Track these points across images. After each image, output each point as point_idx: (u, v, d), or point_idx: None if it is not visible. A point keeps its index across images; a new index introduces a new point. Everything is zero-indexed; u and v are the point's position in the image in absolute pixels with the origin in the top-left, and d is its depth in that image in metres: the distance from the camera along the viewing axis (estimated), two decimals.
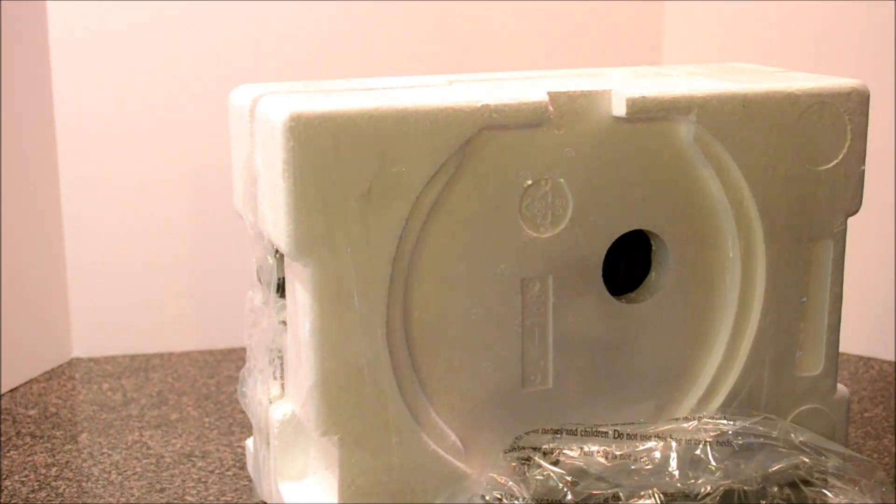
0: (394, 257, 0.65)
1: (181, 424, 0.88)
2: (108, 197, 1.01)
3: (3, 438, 0.86)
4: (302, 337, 0.67)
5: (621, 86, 0.69)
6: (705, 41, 1.09)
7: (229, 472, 0.80)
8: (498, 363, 0.71)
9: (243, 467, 0.81)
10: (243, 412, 0.90)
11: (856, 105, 0.73)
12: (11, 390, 0.96)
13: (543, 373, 0.72)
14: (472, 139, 0.66)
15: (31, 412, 0.92)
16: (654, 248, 0.74)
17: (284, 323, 0.71)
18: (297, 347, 0.69)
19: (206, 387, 0.96)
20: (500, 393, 0.71)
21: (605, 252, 0.71)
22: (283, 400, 0.72)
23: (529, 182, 0.68)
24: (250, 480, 0.78)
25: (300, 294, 0.66)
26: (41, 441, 0.86)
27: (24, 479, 0.79)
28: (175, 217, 1.02)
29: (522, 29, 1.07)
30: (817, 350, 0.77)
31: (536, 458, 0.69)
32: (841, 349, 1.06)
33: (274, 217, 0.66)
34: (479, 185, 0.67)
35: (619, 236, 0.72)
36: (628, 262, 0.75)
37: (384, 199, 0.64)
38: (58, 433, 0.87)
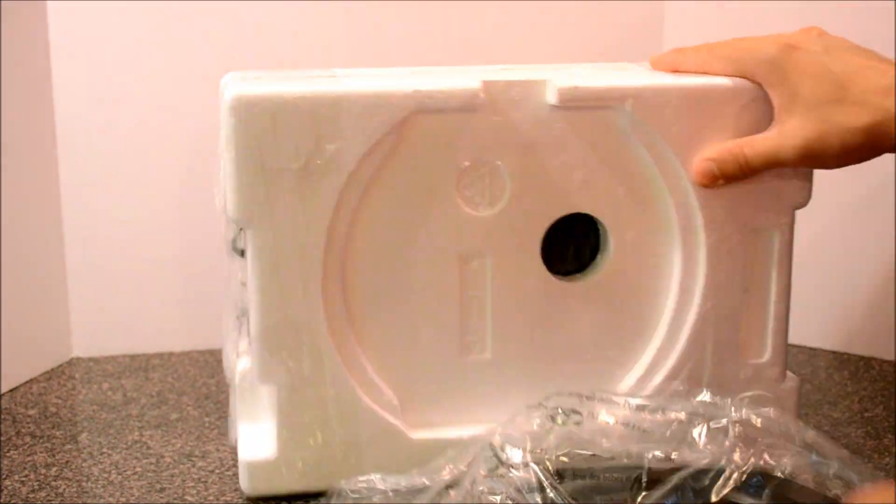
0: (328, 227, 0.71)
1: (181, 424, 0.88)
2: (107, 197, 1.01)
3: (3, 438, 0.86)
4: (249, 295, 0.73)
5: (557, 76, 0.73)
6: (705, 41, 1.09)
7: (229, 472, 0.80)
8: (437, 332, 0.76)
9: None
10: None
11: None
12: (11, 390, 0.96)
13: (482, 343, 0.77)
14: (405, 121, 0.71)
15: (31, 412, 0.92)
16: (599, 231, 0.77)
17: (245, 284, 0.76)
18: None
19: (206, 387, 0.96)
20: (438, 359, 0.76)
21: (543, 232, 0.75)
22: (247, 353, 0.77)
23: (467, 164, 0.73)
24: None
25: (248, 257, 0.73)
26: (41, 441, 0.86)
27: (24, 478, 0.79)
28: (175, 217, 1.02)
29: (523, 28, 1.07)
30: (762, 338, 0.79)
31: (560, 416, 0.72)
32: (841, 349, 1.06)
33: (224, 188, 0.72)
34: (416, 165, 0.73)
35: (558, 218, 0.75)
36: (579, 246, 0.79)
37: (318, 174, 0.70)
38: (58, 433, 0.87)
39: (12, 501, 0.76)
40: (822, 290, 1.07)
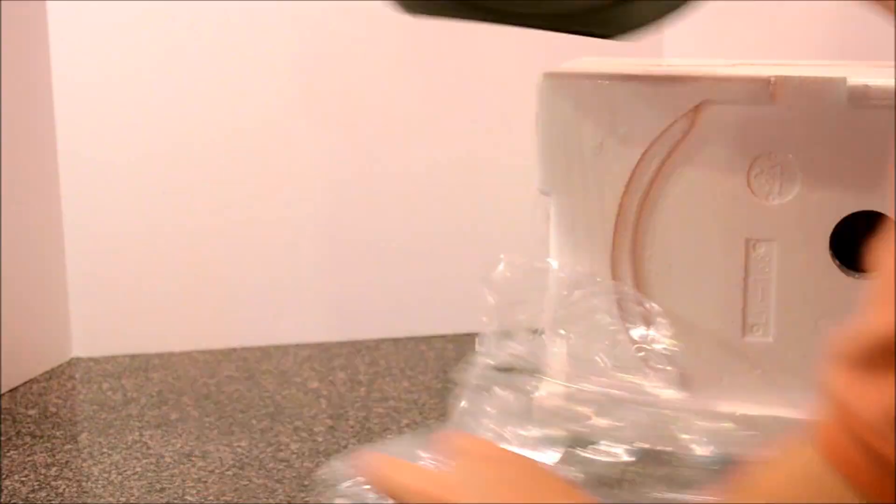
0: (619, 202, 0.78)
1: (181, 424, 0.88)
2: (108, 197, 1.01)
3: (3, 438, 0.86)
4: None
5: (851, 74, 0.74)
6: (705, 40, 1.09)
7: (229, 472, 0.80)
8: (719, 309, 0.79)
9: (243, 467, 0.81)
10: (243, 412, 0.90)
11: None
12: (11, 390, 0.96)
13: (765, 327, 0.79)
14: (697, 109, 0.75)
15: (31, 412, 0.92)
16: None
17: None
18: None
19: (206, 387, 0.96)
20: (719, 336, 0.80)
21: (832, 226, 0.76)
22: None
23: (758, 154, 0.76)
24: (250, 480, 0.79)
25: (550, 220, 0.81)
26: (41, 441, 0.86)
27: (24, 478, 0.80)
28: (175, 217, 1.02)
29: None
30: None
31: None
32: None
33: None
34: (708, 151, 0.77)
35: (847, 214, 0.76)
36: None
37: (613, 152, 0.77)
38: (58, 433, 0.88)
39: (12, 501, 0.76)
40: None
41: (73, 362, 1.03)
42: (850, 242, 0.77)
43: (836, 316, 0.76)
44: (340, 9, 1.02)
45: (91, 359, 1.03)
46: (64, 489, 0.78)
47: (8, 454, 0.84)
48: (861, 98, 0.73)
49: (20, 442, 0.86)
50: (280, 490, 0.78)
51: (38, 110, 0.99)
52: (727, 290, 0.79)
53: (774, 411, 0.77)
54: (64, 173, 1.00)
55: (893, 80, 0.73)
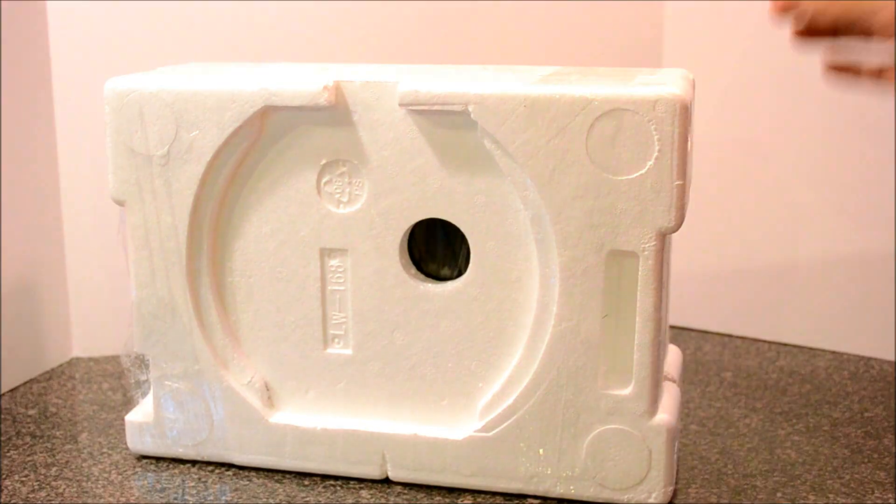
0: (191, 211, 0.77)
1: None
2: (107, 197, 1.00)
3: (3, 438, 0.87)
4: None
5: (406, 79, 0.74)
6: (705, 41, 1.10)
7: (229, 472, 0.81)
8: (301, 321, 0.80)
9: (243, 467, 0.82)
10: None
11: (664, 115, 0.69)
12: (11, 390, 0.97)
13: (345, 338, 0.79)
14: (259, 116, 0.76)
15: (31, 412, 0.92)
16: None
17: None
18: None
19: None
20: (303, 348, 0.80)
21: (403, 234, 0.76)
22: None
23: (324, 161, 0.77)
24: (251, 480, 0.80)
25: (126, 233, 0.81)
26: (41, 441, 0.87)
27: (24, 478, 0.80)
28: None
29: (524, 27, 1.07)
30: (625, 368, 0.74)
31: None
32: (841, 349, 1.07)
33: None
34: (276, 158, 0.77)
35: (416, 222, 0.76)
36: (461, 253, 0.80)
37: (180, 160, 0.77)
38: (58, 433, 0.88)
39: (12, 501, 0.77)
40: (821, 291, 1.07)
41: (73, 362, 1.03)
42: (442, 250, 0.79)
43: (412, 326, 0.78)
44: (343, 7, 1.02)
45: (91, 359, 1.04)
46: (64, 489, 0.79)
47: (8, 454, 0.84)
48: (412, 102, 0.73)
49: (20, 442, 0.86)
50: (280, 490, 0.78)
51: (39, 111, 0.99)
52: (307, 302, 0.79)
53: (357, 425, 0.79)
54: (64, 174, 1.01)
55: (445, 85, 0.72)
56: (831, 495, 0.79)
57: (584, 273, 0.72)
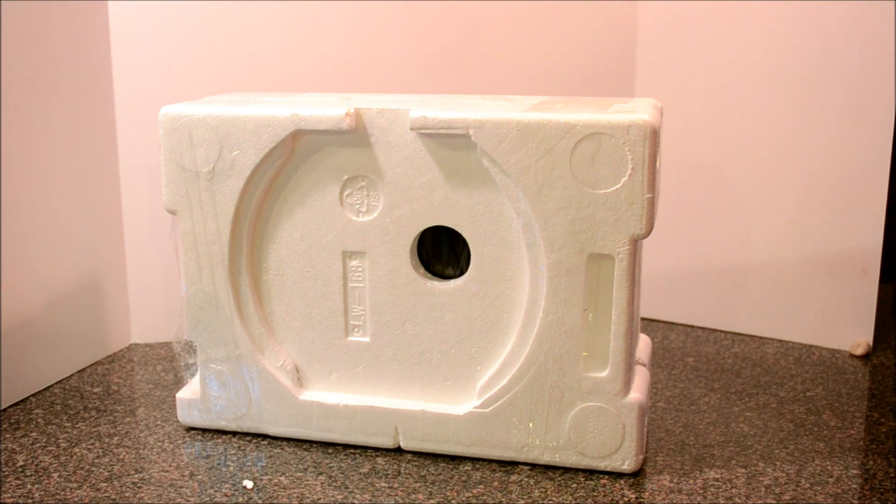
0: (232, 219, 0.82)
1: None
2: (162, 207, 0.89)
3: (72, 412, 0.90)
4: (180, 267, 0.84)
5: (417, 106, 0.78)
6: (671, 74, 1.12)
7: (264, 442, 0.84)
8: (326, 313, 0.83)
9: (277, 438, 0.84)
10: None
11: (636, 138, 0.73)
12: (79, 371, 1.00)
13: (363, 328, 0.83)
14: (291, 138, 0.80)
15: (97, 390, 0.96)
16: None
17: None
18: None
19: None
20: (327, 336, 0.84)
21: (413, 239, 0.80)
22: None
23: (346, 177, 0.81)
24: (283, 448, 0.83)
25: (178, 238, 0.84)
26: (105, 414, 0.90)
27: (90, 446, 0.83)
28: None
29: (516, 63, 1.10)
30: (603, 354, 0.77)
31: None
32: (787, 338, 1.07)
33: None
34: (306, 173, 0.81)
35: (424, 228, 0.80)
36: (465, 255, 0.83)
37: (223, 176, 0.81)
38: (119, 408, 0.91)
39: (81, 465, 0.80)
40: (770, 287, 1.11)
41: (132, 347, 1.07)
42: (448, 253, 0.82)
43: (420, 318, 0.82)
44: (344, 15, 1.03)
45: (147, 345, 1.08)
46: (124, 455, 0.82)
47: (77, 426, 0.87)
48: (421, 126, 0.77)
49: (87, 415, 0.89)
50: (308, 457, 0.81)
51: (103, 132, 1.01)
52: (331, 297, 0.83)
53: (373, 402, 0.83)
54: (125, 187, 1.04)
55: (450, 112, 0.76)
56: (778, 463, 0.81)
57: (567, 273, 0.76)
